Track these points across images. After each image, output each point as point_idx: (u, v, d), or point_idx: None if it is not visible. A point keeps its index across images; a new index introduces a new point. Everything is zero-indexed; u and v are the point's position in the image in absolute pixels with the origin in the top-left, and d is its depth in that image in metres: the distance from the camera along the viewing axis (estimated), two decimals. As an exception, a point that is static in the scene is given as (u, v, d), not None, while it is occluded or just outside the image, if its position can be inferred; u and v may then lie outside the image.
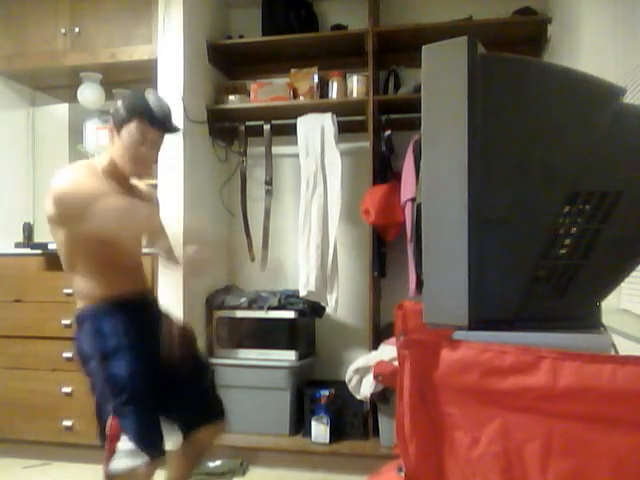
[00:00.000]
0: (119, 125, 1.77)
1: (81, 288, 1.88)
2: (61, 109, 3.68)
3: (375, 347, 2.96)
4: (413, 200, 2.76)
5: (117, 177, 1.86)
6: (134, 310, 1.88)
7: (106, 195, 1.73)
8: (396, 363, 1.03)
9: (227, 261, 3.52)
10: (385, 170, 3.15)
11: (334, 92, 3.18)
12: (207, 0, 3.30)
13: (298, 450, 2.89)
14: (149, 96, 1.77)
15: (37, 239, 3.40)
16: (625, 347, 1.14)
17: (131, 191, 1.94)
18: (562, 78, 1.01)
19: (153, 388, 1.82)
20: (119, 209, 1.71)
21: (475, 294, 0.96)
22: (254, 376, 3.01)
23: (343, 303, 3.19)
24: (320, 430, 2.90)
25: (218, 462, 2.84)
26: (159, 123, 1.75)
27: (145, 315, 1.94)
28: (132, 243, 1.96)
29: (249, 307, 3.07)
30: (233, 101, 3.26)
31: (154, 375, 1.82)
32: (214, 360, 3.09)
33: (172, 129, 1.82)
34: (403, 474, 1.00)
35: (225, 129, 3.41)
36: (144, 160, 1.79)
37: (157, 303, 2.10)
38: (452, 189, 0.97)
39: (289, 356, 3.01)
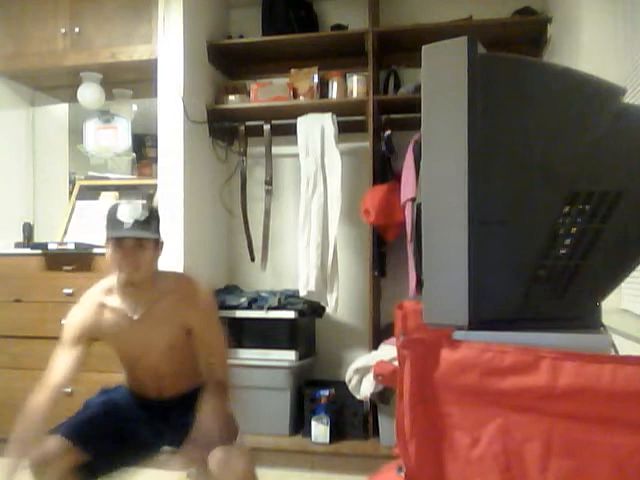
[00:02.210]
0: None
1: None
2: (61, 109, 3.69)
3: (375, 347, 2.96)
4: (413, 200, 2.76)
5: (129, 288, 1.86)
6: (137, 401, 1.96)
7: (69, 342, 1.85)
8: (396, 363, 1.03)
9: (227, 261, 3.53)
10: (385, 170, 3.15)
11: (334, 92, 3.18)
12: (207, 0, 3.30)
13: (298, 450, 2.89)
14: (119, 207, 1.82)
15: (37, 239, 3.40)
16: (625, 347, 1.14)
17: (150, 298, 1.88)
18: (562, 78, 1.01)
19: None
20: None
21: (475, 294, 0.96)
22: (254, 376, 3.01)
23: (343, 303, 3.19)
24: (320, 430, 2.90)
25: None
26: (115, 234, 1.78)
27: (142, 408, 1.95)
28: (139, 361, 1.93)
29: (249, 307, 3.07)
30: (233, 101, 3.26)
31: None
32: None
33: (132, 236, 1.78)
34: (403, 474, 1.00)
35: (225, 129, 3.41)
36: (124, 269, 1.79)
37: (177, 410, 1.93)
38: (452, 189, 0.97)
39: (289, 356, 3.01)
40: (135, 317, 1.86)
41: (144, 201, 1.88)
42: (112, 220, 1.79)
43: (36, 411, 1.75)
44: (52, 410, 1.76)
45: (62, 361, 1.84)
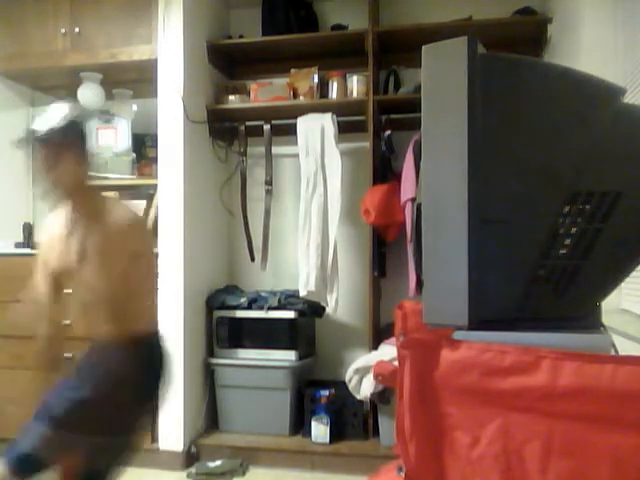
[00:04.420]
0: None
1: None
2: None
3: (375, 347, 2.96)
4: (413, 200, 2.76)
5: (64, 204, 1.83)
6: None
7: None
8: (396, 363, 1.03)
9: (227, 261, 3.53)
10: (385, 170, 3.15)
11: (334, 92, 3.18)
12: (207, 0, 3.30)
13: (298, 450, 2.90)
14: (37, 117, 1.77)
15: (37, 239, 3.40)
16: (625, 347, 1.14)
17: (75, 217, 1.83)
18: (562, 78, 1.01)
19: None
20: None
21: (475, 294, 0.96)
22: (254, 376, 3.01)
23: (343, 303, 3.19)
24: (320, 430, 2.90)
25: (218, 462, 2.84)
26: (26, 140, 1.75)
27: None
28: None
29: (249, 307, 3.07)
30: (233, 101, 3.26)
31: None
32: (214, 360, 3.09)
33: (28, 141, 1.75)
34: (403, 474, 1.00)
35: (225, 129, 3.41)
36: (40, 182, 1.78)
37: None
38: (452, 189, 0.97)
39: (289, 356, 3.01)
40: (70, 231, 1.80)
41: (66, 109, 1.75)
42: (26, 131, 1.74)
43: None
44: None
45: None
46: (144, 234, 1.94)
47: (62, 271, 1.85)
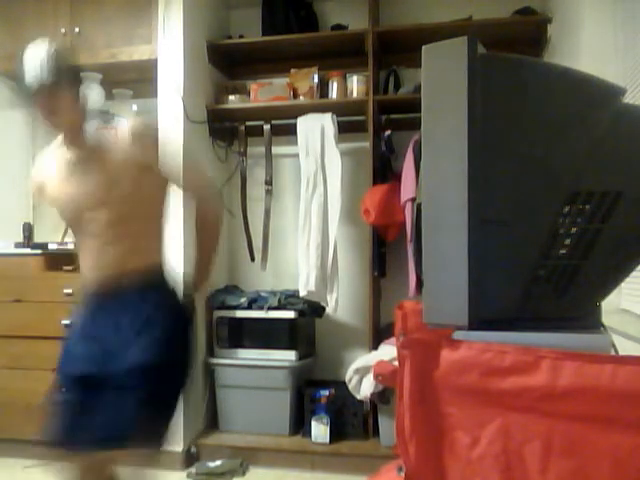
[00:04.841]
0: None
1: None
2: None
3: (375, 347, 2.96)
4: (413, 200, 2.76)
5: (67, 144, 1.76)
6: (93, 308, 1.71)
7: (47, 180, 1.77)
8: (396, 363, 1.03)
9: (227, 261, 3.52)
10: (385, 170, 3.15)
11: (334, 92, 3.18)
12: (207, 0, 3.30)
13: (298, 450, 2.89)
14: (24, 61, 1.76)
15: (37, 239, 3.40)
16: (625, 347, 1.14)
17: (91, 150, 1.76)
18: (562, 78, 1.01)
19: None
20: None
21: (475, 294, 0.96)
22: (254, 376, 3.01)
23: (343, 303, 3.19)
24: (320, 430, 2.90)
25: (218, 462, 2.84)
26: (19, 90, 1.71)
27: (104, 308, 1.68)
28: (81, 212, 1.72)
29: (249, 307, 3.07)
30: (233, 101, 3.26)
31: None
32: (214, 360, 3.09)
33: (30, 86, 1.67)
34: (403, 474, 1.00)
35: (225, 129, 3.41)
36: (47, 124, 1.70)
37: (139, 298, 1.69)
38: (452, 189, 0.97)
39: (289, 356, 3.01)
40: (76, 161, 1.73)
41: (50, 48, 1.75)
42: (19, 77, 1.72)
43: None
44: None
45: None
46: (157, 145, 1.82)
47: (75, 214, 1.73)
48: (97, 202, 1.69)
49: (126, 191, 1.69)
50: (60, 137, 1.77)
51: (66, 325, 1.82)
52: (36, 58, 1.70)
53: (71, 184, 1.72)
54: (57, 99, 1.66)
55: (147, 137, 1.80)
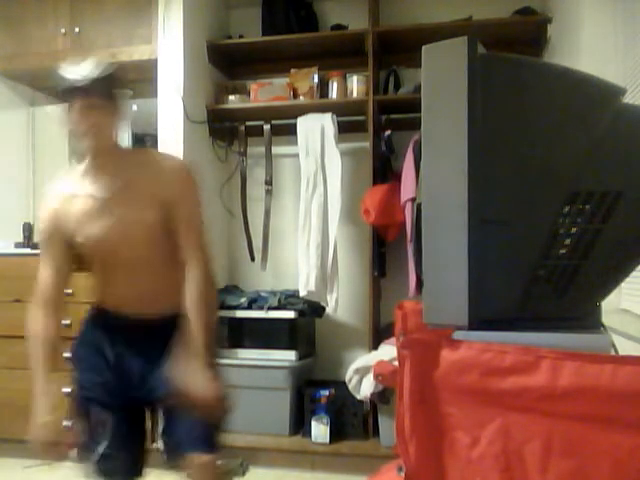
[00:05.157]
0: None
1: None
2: (61, 109, 3.68)
3: (375, 347, 2.96)
4: (413, 200, 2.75)
5: (96, 166, 1.62)
6: (116, 330, 1.68)
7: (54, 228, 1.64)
8: (396, 363, 1.03)
9: (227, 261, 3.52)
10: (385, 170, 3.15)
11: (334, 92, 3.18)
12: (207, 0, 3.30)
13: (298, 450, 2.89)
14: (68, 67, 1.63)
15: (37, 239, 3.40)
16: (625, 347, 1.14)
17: (123, 171, 1.61)
18: (562, 78, 1.01)
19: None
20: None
21: (475, 294, 0.96)
22: (254, 376, 3.01)
23: (343, 303, 3.19)
24: (320, 430, 2.90)
25: (218, 462, 2.84)
26: (64, 92, 1.61)
27: (130, 339, 1.66)
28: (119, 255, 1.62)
29: (249, 307, 3.07)
30: (233, 101, 3.26)
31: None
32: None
33: (84, 93, 1.56)
34: (403, 474, 1.00)
35: (225, 129, 3.41)
36: (83, 134, 1.57)
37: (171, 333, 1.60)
38: (452, 189, 0.97)
39: (289, 356, 3.01)
40: (107, 195, 1.59)
41: (99, 61, 1.63)
42: (61, 79, 1.62)
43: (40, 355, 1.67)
44: (56, 337, 1.66)
45: (47, 273, 1.67)
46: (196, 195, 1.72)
47: (106, 249, 1.62)
48: (133, 239, 1.60)
49: (160, 229, 1.60)
50: (86, 163, 1.63)
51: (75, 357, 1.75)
52: (89, 63, 1.61)
53: (103, 218, 1.59)
54: (102, 108, 1.56)
55: (191, 183, 1.67)
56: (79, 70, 1.58)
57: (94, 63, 1.59)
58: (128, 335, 1.66)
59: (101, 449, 1.65)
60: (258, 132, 3.33)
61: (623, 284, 1.18)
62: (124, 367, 1.67)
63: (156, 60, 3.00)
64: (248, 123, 3.36)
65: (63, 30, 3.12)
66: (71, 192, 1.63)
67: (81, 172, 1.64)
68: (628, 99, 1.18)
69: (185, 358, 1.52)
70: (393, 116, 3.23)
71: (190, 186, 1.65)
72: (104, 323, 1.70)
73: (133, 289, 1.64)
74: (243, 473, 2.82)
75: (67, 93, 1.59)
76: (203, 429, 1.68)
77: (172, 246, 1.61)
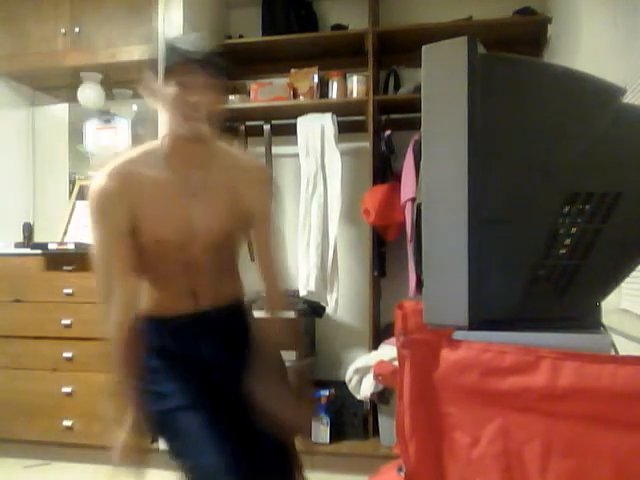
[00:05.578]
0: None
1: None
2: (61, 109, 3.69)
3: (375, 347, 2.96)
4: (413, 200, 2.75)
5: (185, 153, 1.45)
6: (179, 329, 1.52)
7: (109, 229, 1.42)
8: (396, 363, 1.03)
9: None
10: (385, 170, 3.15)
11: (334, 92, 3.18)
12: (207, 0, 3.30)
13: (298, 450, 2.89)
14: (178, 38, 1.46)
15: (37, 239, 3.40)
16: (625, 347, 1.14)
17: (208, 166, 1.47)
18: (562, 78, 1.01)
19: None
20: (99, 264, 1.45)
21: (475, 294, 0.96)
22: (254, 376, 3.01)
23: (343, 303, 3.18)
24: (320, 430, 2.90)
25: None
26: (176, 64, 1.38)
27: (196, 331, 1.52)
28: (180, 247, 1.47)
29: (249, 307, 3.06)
30: (233, 101, 3.26)
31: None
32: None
33: (205, 67, 1.37)
34: (403, 474, 1.00)
35: (225, 129, 3.41)
36: (188, 115, 1.37)
37: (246, 325, 1.61)
38: (452, 189, 0.97)
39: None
40: (194, 189, 1.44)
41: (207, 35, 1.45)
42: (174, 50, 1.41)
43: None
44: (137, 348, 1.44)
45: (122, 280, 1.45)
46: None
47: (180, 241, 1.45)
48: (211, 238, 1.48)
49: (236, 234, 1.56)
50: (168, 145, 1.45)
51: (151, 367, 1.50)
52: (201, 36, 1.43)
53: (183, 212, 1.45)
54: (214, 88, 1.38)
55: (269, 189, 1.63)
56: (194, 41, 1.40)
57: (205, 36, 1.43)
58: (193, 328, 1.52)
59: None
60: (258, 132, 3.32)
61: (623, 284, 1.18)
62: (203, 358, 1.51)
63: (156, 60, 3.00)
64: (248, 123, 3.36)
65: (63, 30, 3.12)
66: (138, 173, 1.42)
67: (160, 155, 1.45)
68: (628, 99, 1.18)
69: (269, 376, 1.49)
70: (393, 116, 3.23)
71: (271, 199, 1.63)
72: (164, 328, 1.52)
73: (195, 288, 1.51)
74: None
75: (179, 66, 1.37)
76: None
77: (236, 251, 1.60)
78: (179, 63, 1.37)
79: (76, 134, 3.62)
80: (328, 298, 3.06)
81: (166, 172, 1.43)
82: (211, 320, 1.53)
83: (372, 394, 2.73)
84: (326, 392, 2.97)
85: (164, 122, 1.44)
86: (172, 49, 1.42)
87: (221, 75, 1.40)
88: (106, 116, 3.50)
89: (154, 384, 1.47)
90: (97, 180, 1.42)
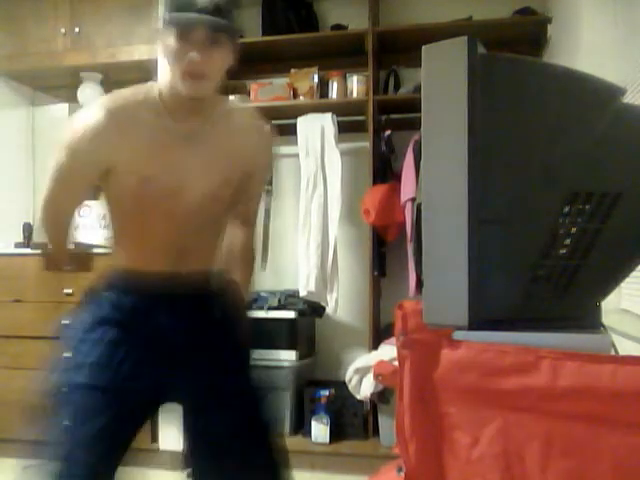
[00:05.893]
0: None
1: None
2: (61, 109, 3.69)
3: (375, 347, 2.96)
4: (413, 200, 2.76)
5: (188, 107, 1.36)
6: (159, 306, 1.37)
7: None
8: (396, 363, 1.03)
9: (227, 261, 3.52)
10: (385, 170, 3.15)
11: (334, 92, 3.18)
12: (207, 0, 3.30)
13: (298, 450, 2.89)
14: None
15: (37, 239, 3.40)
16: (625, 347, 1.14)
17: (208, 119, 1.39)
18: (562, 78, 1.01)
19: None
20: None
21: (475, 294, 0.96)
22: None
23: (343, 303, 3.19)
24: (320, 430, 2.90)
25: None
26: (187, 17, 1.23)
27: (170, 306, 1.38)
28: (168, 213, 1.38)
29: (249, 307, 3.07)
30: (233, 101, 3.26)
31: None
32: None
33: (211, 22, 1.24)
34: (403, 474, 1.00)
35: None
36: (188, 73, 1.27)
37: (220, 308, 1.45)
38: (452, 189, 0.97)
39: (289, 356, 3.01)
40: (184, 136, 1.35)
41: None
42: (178, 2, 1.26)
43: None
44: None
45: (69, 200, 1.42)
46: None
47: (166, 191, 1.36)
48: (206, 194, 1.39)
49: (231, 186, 1.44)
50: (171, 97, 1.35)
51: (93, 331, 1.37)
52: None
53: (174, 151, 1.35)
54: (225, 47, 1.29)
55: (270, 151, 1.62)
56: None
57: None
58: (167, 303, 1.38)
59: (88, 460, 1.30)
60: (258, 132, 3.32)
61: (623, 284, 1.18)
62: (163, 339, 1.36)
63: (156, 60, 3.00)
64: (248, 123, 3.36)
65: (63, 30, 3.12)
66: (142, 116, 1.35)
67: (157, 101, 1.37)
68: (628, 99, 1.18)
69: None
70: (393, 116, 3.23)
71: (271, 155, 1.62)
72: (134, 289, 1.39)
73: (177, 244, 1.39)
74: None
75: (185, 20, 1.24)
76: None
77: (228, 206, 1.47)
78: (182, 17, 1.25)
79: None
80: (328, 298, 3.06)
81: (162, 118, 1.35)
82: (186, 296, 1.39)
83: (372, 394, 2.73)
84: (326, 392, 2.97)
85: (164, 72, 1.36)
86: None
87: (230, 30, 1.29)
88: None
89: (81, 354, 1.34)
90: (89, 111, 1.35)
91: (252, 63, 3.46)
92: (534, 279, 1.02)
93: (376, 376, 2.45)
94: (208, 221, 1.44)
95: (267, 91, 3.21)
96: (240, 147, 1.45)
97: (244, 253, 1.54)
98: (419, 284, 2.81)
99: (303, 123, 3.10)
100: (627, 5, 2.01)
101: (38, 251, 3.04)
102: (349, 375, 2.79)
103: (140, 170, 1.33)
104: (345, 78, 3.17)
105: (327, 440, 2.89)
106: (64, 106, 3.68)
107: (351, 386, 2.79)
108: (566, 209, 1.00)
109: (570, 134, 0.99)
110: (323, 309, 3.16)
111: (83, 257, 2.93)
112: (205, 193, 1.39)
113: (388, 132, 3.14)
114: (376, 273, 3.07)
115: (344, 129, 3.16)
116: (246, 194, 1.51)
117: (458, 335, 0.99)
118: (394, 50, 3.20)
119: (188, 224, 1.39)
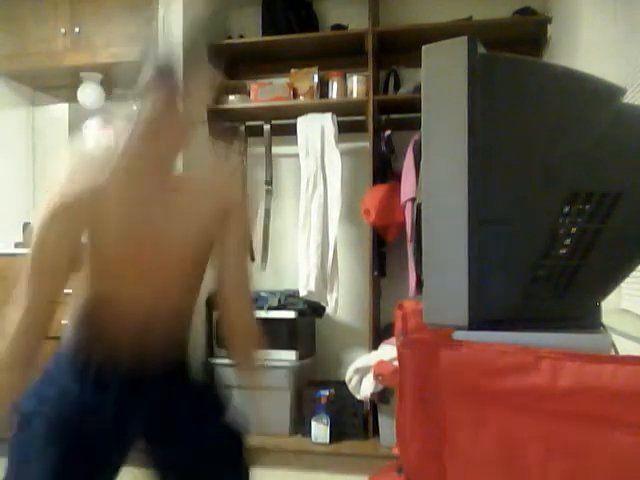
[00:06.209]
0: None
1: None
2: (61, 109, 3.69)
3: (375, 347, 2.96)
4: (413, 200, 2.76)
5: (154, 169, 1.27)
6: (123, 391, 1.27)
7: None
8: (396, 363, 1.03)
9: (227, 261, 3.52)
10: (385, 170, 3.15)
11: (334, 92, 3.18)
12: (207, 0, 3.30)
13: (298, 450, 2.89)
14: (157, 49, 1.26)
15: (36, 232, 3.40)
16: (625, 347, 1.14)
17: (173, 180, 1.30)
18: (562, 78, 1.01)
19: None
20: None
21: (475, 294, 0.96)
22: (254, 376, 3.01)
23: (343, 303, 3.19)
24: (320, 430, 2.90)
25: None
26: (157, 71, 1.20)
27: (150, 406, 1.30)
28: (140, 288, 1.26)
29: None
30: (233, 101, 3.26)
31: None
32: (214, 360, 3.09)
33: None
34: (403, 474, 1.00)
35: (225, 129, 3.41)
36: (162, 143, 1.25)
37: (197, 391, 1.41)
38: (452, 189, 0.97)
39: (289, 356, 3.01)
40: (154, 201, 1.23)
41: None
42: (156, 62, 1.19)
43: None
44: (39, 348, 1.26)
45: (48, 283, 1.30)
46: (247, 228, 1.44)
47: (137, 255, 1.23)
48: (179, 250, 1.26)
49: (203, 253, 1.31)
50: (138, 159, 1.24)
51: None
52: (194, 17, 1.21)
53: (147, 217, 1.23)
54: (199, 77, 1.20)
55: (245, 212, 1.38)
56: (172, 40, 1.18)
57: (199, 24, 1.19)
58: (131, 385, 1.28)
59: None
60: (258, 132, 3.33)
61: (623, 284, 1.18)
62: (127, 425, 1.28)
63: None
64: (248, 123, 3.36)
65: (63, 30, 3.12)
66: (116, 183, 1.20)
67: (129, 168, 1.22)
68: (628, 99, 1.18)
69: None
70: (393, 116, 3.23)
71: (246, 215, 1.38)
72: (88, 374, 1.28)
73: (140, 331, 1.28)
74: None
75: (160, 74, 1.18)
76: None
77: (201, 277, 1.36)
78: (158, 71, 1.21)
79: (76, 134, 3.61)
80: (328, 298, 3.06)
81: (124, 180, 1.21)
82: (149, 390, 1.30)
83: (372, 394, 2.73)
84: (326, 392, 2.97)
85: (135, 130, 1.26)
86: (152, 59, 1.23)
87: (200, 64, 1.22)
88: (106, 116, 3.50)
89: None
90: (61, 187, 1.22)
91: (252, 63, 3.47)
92: (534, 279, 1.02)
93: (376, 376, 2.45)
94: (179, 302, 1.35)
95: (267, 91, 3.22)
96: (212, 215, 1.32)
97: (248, 333, 1.45)
98: (419, 284, 2.81)
99: (303, 123, 3.10)
100: (627, 5, 2.01)
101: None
102: (349, 375, 2.79)
103: (110, 245, 1.24)
104: (345, 78, 3.17)
105: (327, 440, 2.89)
106: (64, 106, 3.68)
107: (351, 386, 2.79)
108: (566, 209, 1.00)
109: (570, 134, 0.99)
110: (323, 309, 3.16)
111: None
112: (183, 258, 1.29)
113: (388, 132, 3.14)
114: (376, 273, 3.07)
115: (344, 129, 3.16)
116: (228, 265, 1.36)
117: (458, 335, 0.99)
118: (394, 50, 3.20)
119: (160, 300, 1.29)
